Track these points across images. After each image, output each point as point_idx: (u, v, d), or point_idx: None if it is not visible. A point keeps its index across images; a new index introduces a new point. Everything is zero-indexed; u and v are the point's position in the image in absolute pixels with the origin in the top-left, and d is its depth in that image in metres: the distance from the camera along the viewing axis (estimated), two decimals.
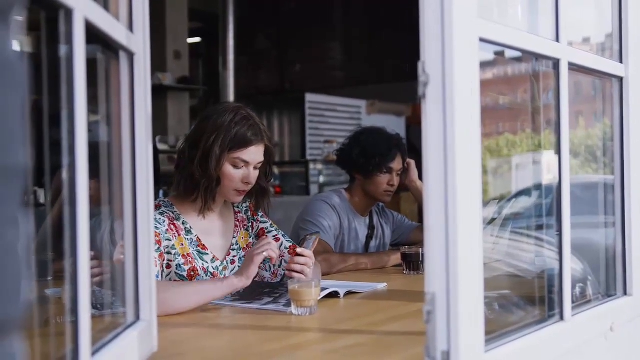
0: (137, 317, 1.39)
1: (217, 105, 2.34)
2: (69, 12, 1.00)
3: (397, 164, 3.05)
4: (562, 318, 1.54)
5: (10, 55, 0.61)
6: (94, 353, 1.09)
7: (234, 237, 2.37)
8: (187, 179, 2.22)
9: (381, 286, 2.38)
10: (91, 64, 1.08)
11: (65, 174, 1.02)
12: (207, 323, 1.84)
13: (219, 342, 1.71)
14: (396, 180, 3.05)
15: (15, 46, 0.63)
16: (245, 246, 2.39)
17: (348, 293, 2.21)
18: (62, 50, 1.01)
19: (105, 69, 1.34)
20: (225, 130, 2.18)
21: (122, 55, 1.34)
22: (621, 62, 1.84)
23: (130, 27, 1.36)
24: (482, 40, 1.27)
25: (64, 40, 1.01)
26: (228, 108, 2.25)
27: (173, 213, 2.24)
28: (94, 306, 1.26)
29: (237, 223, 2.40)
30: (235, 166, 2.21)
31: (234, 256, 2.35)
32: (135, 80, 1.37)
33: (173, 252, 2.17)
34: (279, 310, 1.94)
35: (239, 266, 2.31)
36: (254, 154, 2.23)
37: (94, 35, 1.11)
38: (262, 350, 1.58)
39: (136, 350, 1.32)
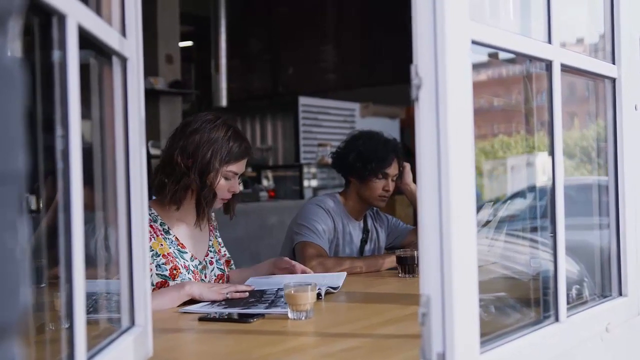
0: (132, 323, 1.38)
1: (199, 115, 2.37)
2: (62, 18, 1.00)
3: (393, 170, 3.04)
4: (557, 319, 1.54)
5: (8, 61, 0.61)
6: (89, 359, 1.09)
7: (210, 240, 2.49)
8: (182, 190, 2.29)
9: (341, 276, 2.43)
10: (83, 69, 1.08)
11: (58, 180, 1.02)
12: (202, 328, 1.83)
13: (214, 347, 1.71)
14: (391, 186, 3.04)
15: (13, 52, 0.63)
16: (217, 250, 2.50)
17: (328, 293, 2.23)
18: (55, 55, 1.01)
19: (98, 74, 1.33)
20: (220, 144, 2.28)
21: (115, 61, 1.34)
22: (614, 63, 1.84)
23: (123, 32, 1.36)
24: (474, 42, 1.27)
25: (57, 45, 1.01)
26: (215, 120, 2.32)
27: (150, 215, 2.29)
28: (87, 311, 1.25)
29: (212, 228, 2.52)
30: (226, 178, 2.33)
31: (211, 257, 2.46)
32: (129, 86, 1.37)
33: (151, 253, 2.22)
34: (282, 312, 1.92)
35: (217, 267, 2.46)
36: (244, 166, 2.37)
37: (86, 40, 1.11)
38: (259, 354, 1.57)
39: (131, 356, 1.32)
